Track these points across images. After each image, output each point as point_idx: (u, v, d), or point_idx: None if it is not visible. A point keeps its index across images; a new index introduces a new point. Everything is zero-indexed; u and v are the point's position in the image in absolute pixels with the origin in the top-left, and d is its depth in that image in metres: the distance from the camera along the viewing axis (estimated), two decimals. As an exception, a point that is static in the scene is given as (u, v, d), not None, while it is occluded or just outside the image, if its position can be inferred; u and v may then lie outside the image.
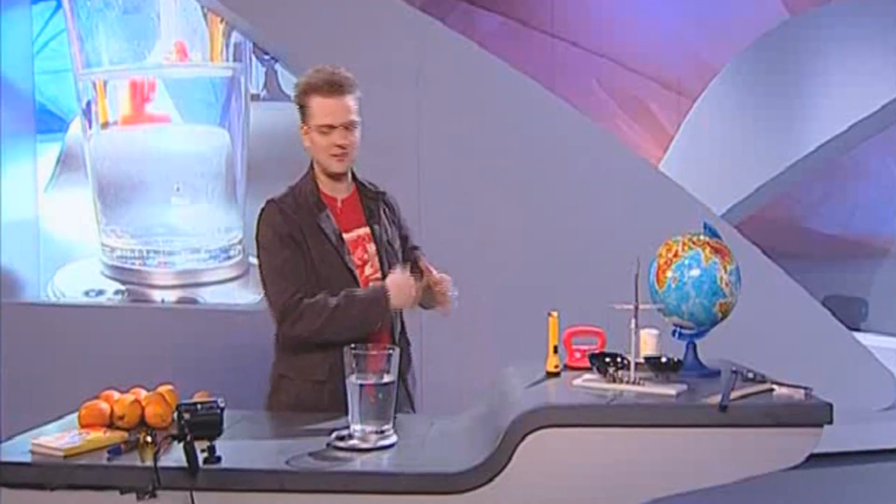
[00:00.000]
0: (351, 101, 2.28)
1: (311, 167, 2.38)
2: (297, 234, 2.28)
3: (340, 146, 2.28)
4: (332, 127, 2.27)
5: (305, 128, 2.32)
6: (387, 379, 1.91)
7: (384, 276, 2.32)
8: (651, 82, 8.87)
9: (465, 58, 4.18)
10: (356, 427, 1.91)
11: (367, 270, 2.34)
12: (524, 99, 4.28)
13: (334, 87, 2.26)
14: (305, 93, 2.29)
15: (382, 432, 1.91)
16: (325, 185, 2.37)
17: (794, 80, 6.81)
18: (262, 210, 2.34)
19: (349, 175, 2.39)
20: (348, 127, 2.27)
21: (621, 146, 4.83)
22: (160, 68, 4.26)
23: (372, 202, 2.39)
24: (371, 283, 2.31)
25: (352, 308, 2.21)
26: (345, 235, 2.33)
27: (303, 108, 2.31)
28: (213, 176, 4.24)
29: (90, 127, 4.26)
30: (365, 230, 2.36)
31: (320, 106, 2.27)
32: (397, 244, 2.42)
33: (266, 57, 4.31)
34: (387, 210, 2.43)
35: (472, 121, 4.12)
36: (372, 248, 2.35)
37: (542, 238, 4.11)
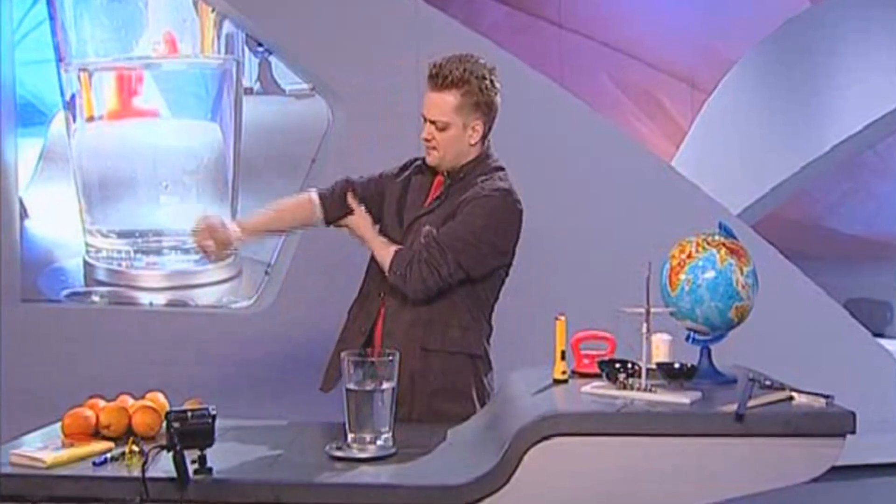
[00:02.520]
0: (447, 98, 2.31)
1: None
2: (390, 183, 2.46)
3: (425, 139, 2.35)
4: (424, 118, 2.34)
5: None
6: (386, 385, 1.91)
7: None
8: (663, 75, 8.86)
9: (468, 49, 4.18)
10: (354, 436, 1.91)
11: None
12: (530, 93, 4.27)
13: (434, 79, 2.33)
14: None
15: (381, 441, 1.91)
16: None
17: (815, 72, 6.81)
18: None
19: (455, 171, 2.39)
20: (435, 124, 2.32)
21: (632, 142, 4.83)
22: (148, 60, 4.26)
23: (438, 201, 2.39)
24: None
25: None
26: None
27: None
28: (203, 173, 4.23)
29: (74, 121, 4.26)
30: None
31: (425, 95, 2.36)
32: (426, 228, 2.35)
33: (260, 49, 4.30)
34: (453, 196, 2.37)
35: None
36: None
37: (548, 238, 4.10)
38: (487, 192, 2.34)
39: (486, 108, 2.35)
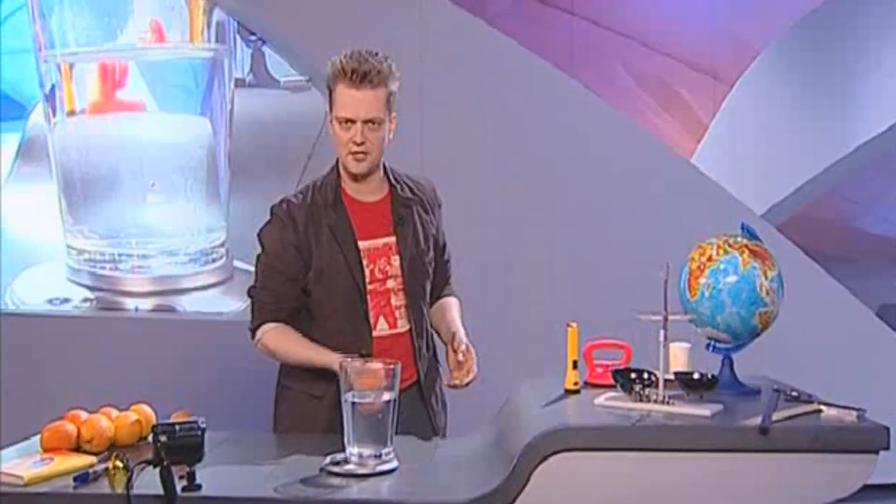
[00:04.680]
0: (380, 94, 2.28)
1: (337, 162, 2.41)
2: (304, 242, 2.33)
3: (358, 143, 2.29)
4: (351, 121, 2.29)
5: (330, 116, 2.35)
6: (387, 397, 1.92)
7: (407, 293, 2.36)
8: (682, 66, 8.85)
9: (474, 38, 4.19)
10: (353, 450, 1.92)
11: (390, 284, 2.37)
12: (539, 84, 4.28)
13: (362, 76, 2.26)
14: (334, 77, 2.31)
15: (382, 456, 1.92)
16: (349, 185, 2.39)
17: (846, 63, 6.79)
18: (272, 212, 2.39)
19: (380, 176, 2.40)
20: (370, 123, 2.29)
21: (648, 137, 4.83)
22: (133, 50, 4.27)
23: (404, 208, 2.40)
24: (331, 354, 2.28)
25: (298, 357, 2.35)
26: (363, 244, 2.35)
27: (329, 94, 2.34)
28: (192, 170, 4.24)
29: (54, 114, 4.27)
30: (391, 239, 2.38)
31: (344, 96, 2.29)
32: (429, 257, 2.42)
33: (252, 37, 4.32)
34: (423, 215, 2.43)
35: (482, 109, 4.13)
36: (397, 260, 2.37)
37: (559, 240, 4.11)
38: (430, 195, 2.50)
39: (394, 99, 2.36)
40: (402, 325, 2.39)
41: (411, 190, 2.45)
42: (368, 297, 2.34)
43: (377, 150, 2.32)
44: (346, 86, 2.28)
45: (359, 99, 2.27)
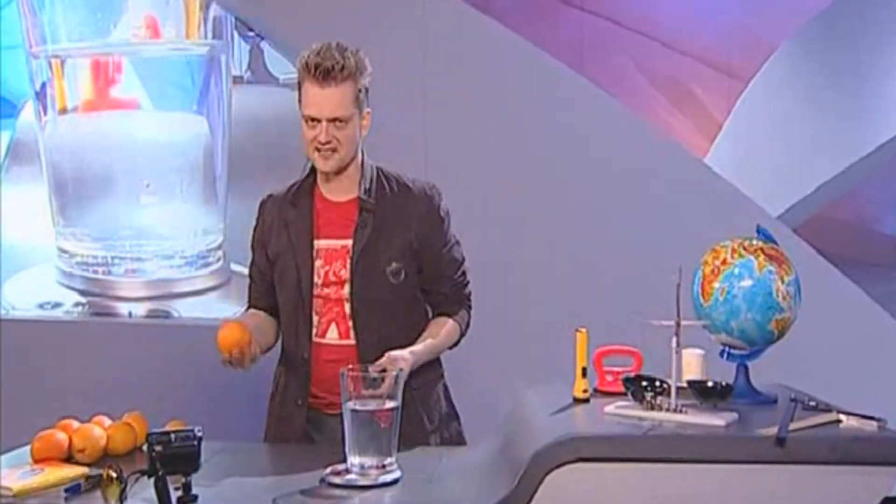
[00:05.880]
0: (346, 91, 2.27)
1: None
2: (266, 236, 2.44)
3: (322, 143, 2.29)
4: (316, 120, 2.29)
5: (300, 111, 2.36)
6: (390, 405, 1.92)
7: (355, 301, 2.33)
8: (695, 62, 8.85)
9: (479, 34, 4.19)
10: (354, 460, 1.92)
11: (346, 290, 2.34)
12: (548, 82, 4.28)
13: (325, 73, 2.26)
14: (301, 73, 2.32)
15: (384, 467, 1.92)
16: (323, 183, 2.40)
17: (863, 62, 6.79)
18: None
19: (355, 173, 2.38)
20: (336, 122, 2.28)
21: (661, 137, 4.83)
22: (127, 46, 4.28)
23: (366, 211, 2.36)
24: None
25: None
26: (321, 242, 2.36)
27: (298, 89, 2.35)
28: (188, 170, 4.25)
29: (45, 113, 4.28)
30: (349, 242, 2.35)
31: (309, 93, 2.30)
32: (394, 267, 2.36)
33: (250, 33, 4.32)
34: (393, 222, 2.37)
35: (487, 107, 4.13)
36: (349, 265, 2.34)
37: (567, 242, 4.11)
38: (420, 202, 2.41)
39: (366, 94, 2.35)
40: (352, 338, 2.35)
41: (392, 192, 2.39)
42: (315, 299, 2.35)
43: (346, 147, 2.32)
44: (311, 83, 2.29)
45: (324, 97, 2.27)
